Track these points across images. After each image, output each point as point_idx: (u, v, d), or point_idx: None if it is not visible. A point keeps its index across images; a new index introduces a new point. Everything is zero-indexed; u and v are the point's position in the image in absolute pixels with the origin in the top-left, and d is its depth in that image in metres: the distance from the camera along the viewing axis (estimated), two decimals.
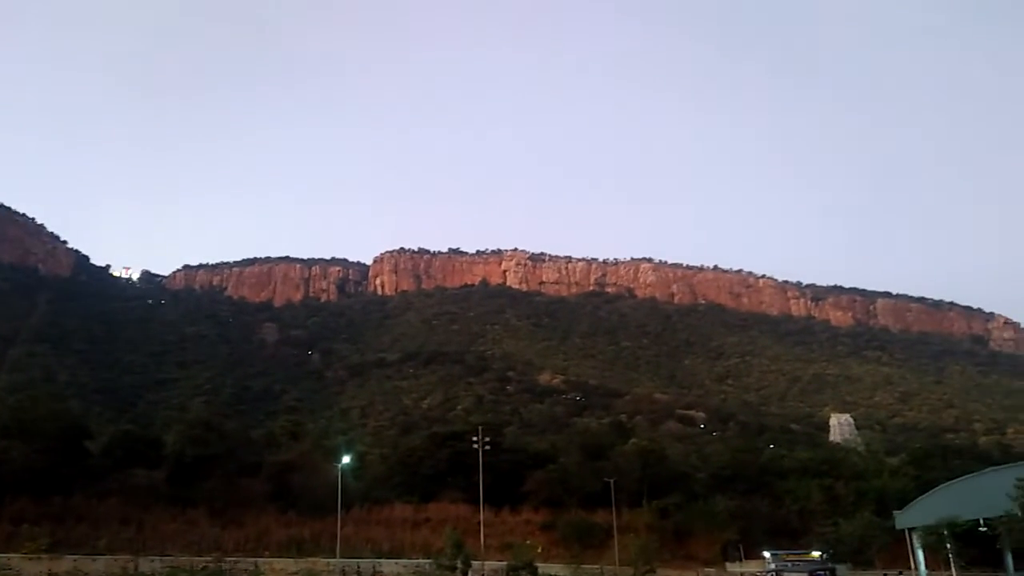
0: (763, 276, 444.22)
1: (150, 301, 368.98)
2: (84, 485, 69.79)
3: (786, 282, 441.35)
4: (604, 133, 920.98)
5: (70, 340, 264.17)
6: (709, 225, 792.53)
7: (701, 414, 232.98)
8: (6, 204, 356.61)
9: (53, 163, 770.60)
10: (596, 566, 72.51)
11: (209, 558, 54.93)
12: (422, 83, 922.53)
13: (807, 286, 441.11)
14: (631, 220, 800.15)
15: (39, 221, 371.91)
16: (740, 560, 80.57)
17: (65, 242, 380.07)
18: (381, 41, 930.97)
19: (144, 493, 70.98)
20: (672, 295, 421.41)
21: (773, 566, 69.46)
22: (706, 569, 78.26)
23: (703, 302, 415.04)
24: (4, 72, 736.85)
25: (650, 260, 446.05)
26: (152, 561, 53.62)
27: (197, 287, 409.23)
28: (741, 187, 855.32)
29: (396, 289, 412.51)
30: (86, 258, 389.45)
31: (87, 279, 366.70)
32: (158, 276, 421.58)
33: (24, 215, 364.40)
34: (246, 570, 54.43)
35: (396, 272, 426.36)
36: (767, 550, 73.51)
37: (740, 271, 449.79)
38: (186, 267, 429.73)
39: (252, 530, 69.36)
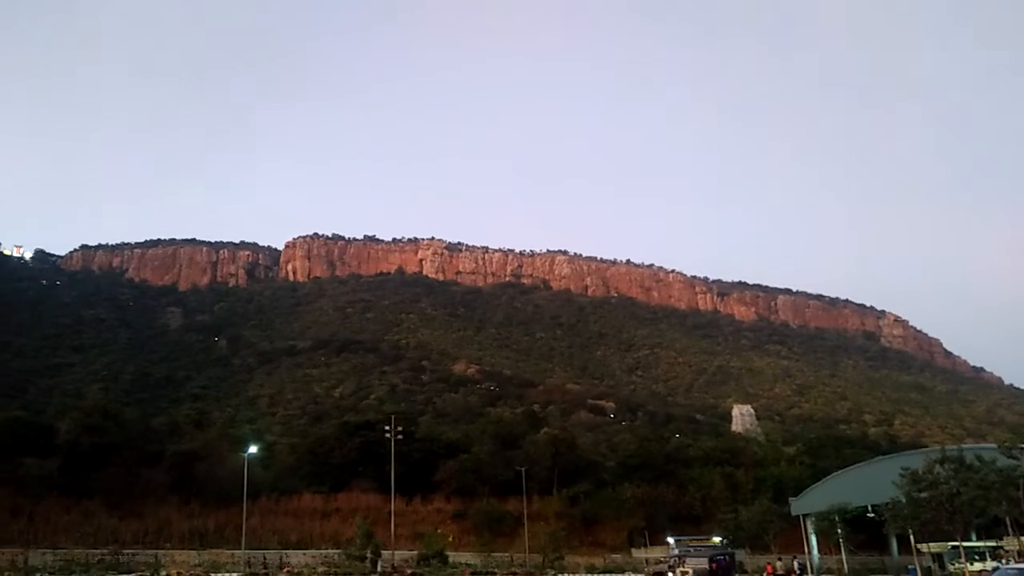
0: (673, 271, 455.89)
1: (44, 282, 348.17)
2: None
3: (694, 277, 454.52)
4: (522, 126, 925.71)
5: None
6: (622, 220, 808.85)
7: (611, 404, 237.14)
8: None
9: None
10: (506, 554, 73.36)
11: (106, 550, 52.79)
12: (340, 64, 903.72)
13: (714, 281, 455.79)
14: (547, 213, 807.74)
15: None
16: (645, 546, 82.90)
17: None
18: (298, 22, 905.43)
19: (35, 483, 67.31)
20: (586, 287, 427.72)
21: (676, 551, 71.77)
22: (613, 555, 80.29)
23: (615, 295, 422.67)
24: None
25: (565, 252, 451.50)
26: (44, 554, 51.16)
27: (96, 268, 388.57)
28: (654, 184, 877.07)
29: (309, 275, 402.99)
30: None
31: None
32: (53, 256, 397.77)
33: None
34: (145, 563, 52.47)
35: (309, 258, 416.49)
36: (671, 536, 75.88)
37: (651, 265, 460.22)
38: (84, 247, 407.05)
39: (152, 522, 67.00)
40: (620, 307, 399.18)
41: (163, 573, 49.48)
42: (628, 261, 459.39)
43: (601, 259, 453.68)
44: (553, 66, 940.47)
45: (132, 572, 49.61)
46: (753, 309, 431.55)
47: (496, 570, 64.20)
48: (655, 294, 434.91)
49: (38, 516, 61.85)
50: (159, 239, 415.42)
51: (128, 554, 53.02)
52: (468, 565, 66.11)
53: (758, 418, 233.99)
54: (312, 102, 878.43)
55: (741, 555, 73.55)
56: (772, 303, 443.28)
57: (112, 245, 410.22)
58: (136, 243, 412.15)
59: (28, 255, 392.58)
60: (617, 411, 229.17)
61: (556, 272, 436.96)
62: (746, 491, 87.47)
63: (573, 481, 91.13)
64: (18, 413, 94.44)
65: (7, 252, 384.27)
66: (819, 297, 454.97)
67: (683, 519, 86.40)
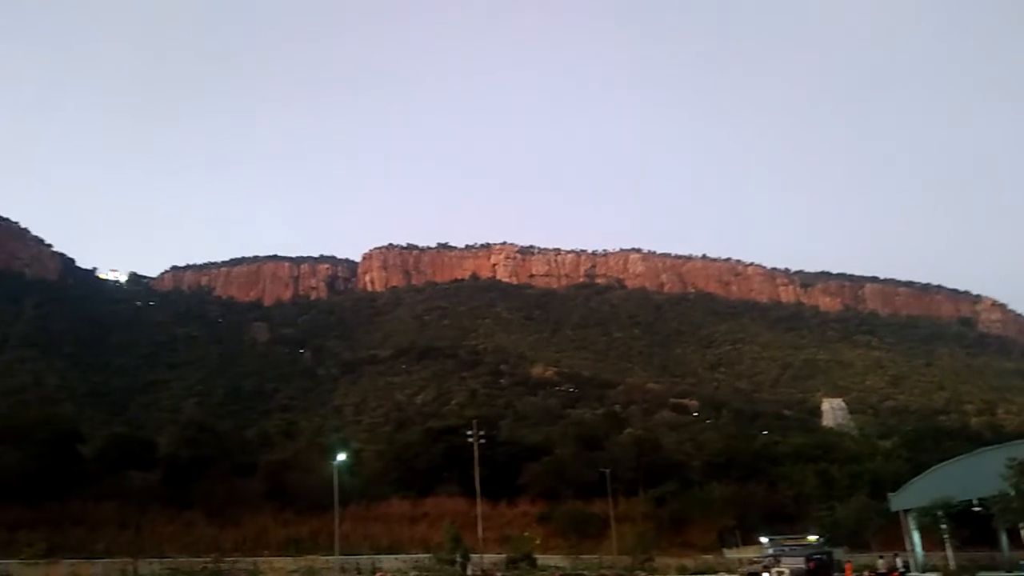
0: (751, 264, 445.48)
1: (138, 303, 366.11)
2: (79, 489, 69.21)
3: (775, 269, 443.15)
4: (590, 126, 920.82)
5: (59, 344, 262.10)
6: (697, 215, 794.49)
7: (694, 402, 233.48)
8: None
9: (36, 167, 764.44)
10: (594, 556, 72.74)
11: (208, 559, 54.67)
12: (408, 79, 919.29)
13: (795, 272, 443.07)
14: (619, 211, 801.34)
15: (23, 225, 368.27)
16: (737, 546, 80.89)
17: (50, 246, 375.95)
18: (366, 39, 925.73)
19: (140, 495, 70.51)
20: (662, 284, 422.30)
21: (771, 551, 69.63)
22: (704, 556, 78.61)
23: (693, 291, 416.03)
24: None
25: (639, 250, 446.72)
26: (151, 563, 53.35)
27: (185, 288, 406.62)
28: (729, 176, 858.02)
29: (386, 285, 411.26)
30: (72, 261, 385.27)
31: (74, 282, 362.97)
32: (146, 278, 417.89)
33: (7, 219, 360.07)
34: (245, 570, 54.21)
35: (385, 268, 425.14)
36: (764, 535, 73.80)
37: (729, 259, 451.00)
38: (174, 268, 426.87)
39: (250, 530, 69.10)
40: (698, 303, 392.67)
41: None
42: (704, 256, 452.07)
43: (676, 255, 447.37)
44: (616, 61, 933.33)
45: None
46: (839, 299, 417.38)
47: (585, 572, 63.69)
48: (734, 288, 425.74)
49: (144, 526, 64.56)
50: (243, 257, 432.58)
51: (229, 562, 54.82)
52: (557, 567, 65.80)
53: (850, 412, 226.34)
54: (378, 116, 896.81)
55: (839, 554, 70.85)
56: (859, 292, 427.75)
57: (200, 264, 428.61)
58: (222, 262, 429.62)
59: (123, 278, 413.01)
60: (700, 409, 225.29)
61: (630, 270, 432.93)
62: (841, 487, 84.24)
63: (659, 481, 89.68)
64: (121, 429, 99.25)
65: (103, 276, 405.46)
66: (909, 284, 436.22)
67: (775, 518, 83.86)
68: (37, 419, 73.83)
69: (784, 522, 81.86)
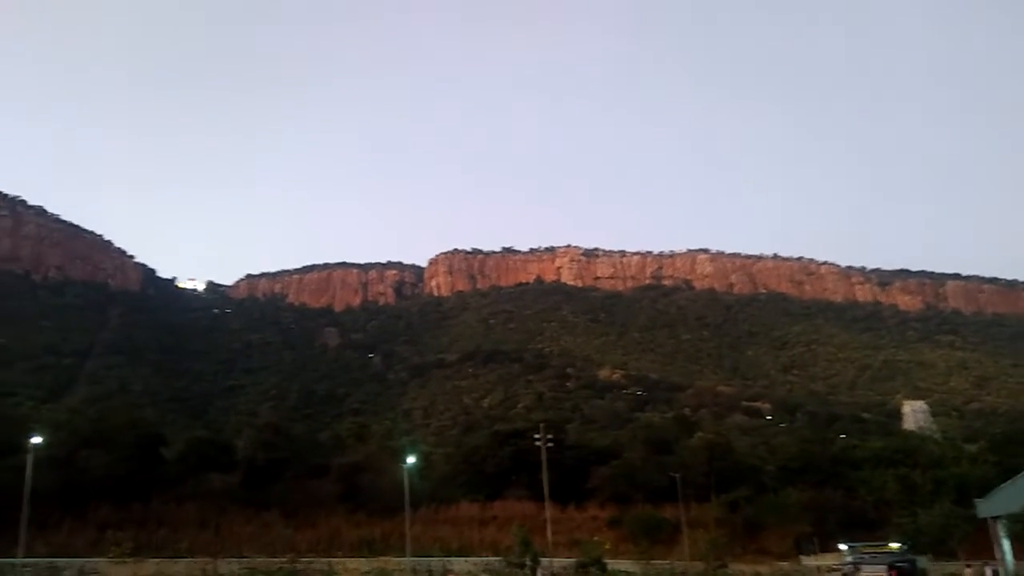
0: (825, 262, 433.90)
1: (215, 311, 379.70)
2: (162, 490, 71.87)
3: (850, 267, 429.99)
4: (653, 125, 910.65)
5: (142, 351, 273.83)
6: (766, 214, 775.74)
7: (767, 405, 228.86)
8: (75, 223, 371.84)
9: (117, 181, 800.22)
10: (666, 561, 71.61)
11: (284, 559, 55.95)
12: (473, 86, 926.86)
13: (872, 271, 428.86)
14: (685, 211, 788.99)
15: (107, 238, 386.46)
16: (815, 553, 78.58)
17: (132, 257, 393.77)
18: (430, 50, 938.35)
19: (219, 497, 72.72)
20: (731, 285, 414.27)
21: (850, 559, 67.34)
22: (779, 563, 76.56)
23: (764, 291, 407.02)
24: (74, 92, 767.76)
25: (707, 251, 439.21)
26: (230, 563, 54.93)
27: (260, 295, 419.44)
28: (799, 173, 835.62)
29: (452, 290, 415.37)
30: (153, 271, 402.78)
31: (155, 292, 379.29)
32: (222, 286, 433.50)
33: (92, 232, 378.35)
34: (320, 570, 55.32)
35: (451, 273, 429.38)
36: (843, 542, 71.46)
37: (801, 258, 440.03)
38: (248, 276, 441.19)
39: (324, 531, 70.52)
40: (770, 303, 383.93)
41: None
42: (775, 255, 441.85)
43: (746, 255, 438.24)
44: (674, 59, 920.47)
45: None
46: (919, 298, 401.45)
47: None
48: (807, 288, 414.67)
49: (223, 527, 66.62)
50: (314, 264, 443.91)
51: (304, 562, 56.03)
52: (627, 573, 65.07)
53: (933, 415, 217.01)
54: (441, 124, 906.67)
55: (923, 562, 68.02)
56: (940, 290, 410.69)
57: (272, 272, 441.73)
58: (294, 269, 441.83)
59: (200, 287, 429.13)
60: (774, 412, 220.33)
61: (698, 271, 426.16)
62: (924, 493, 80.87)
63: (731, 486, 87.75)
64: (202, 433, 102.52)
65: (182, 285, 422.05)
66: (994, 280, 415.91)
67: (855, 524, 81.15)
68: (123, 424, 76.89)
69: (863, 529, 79.25)
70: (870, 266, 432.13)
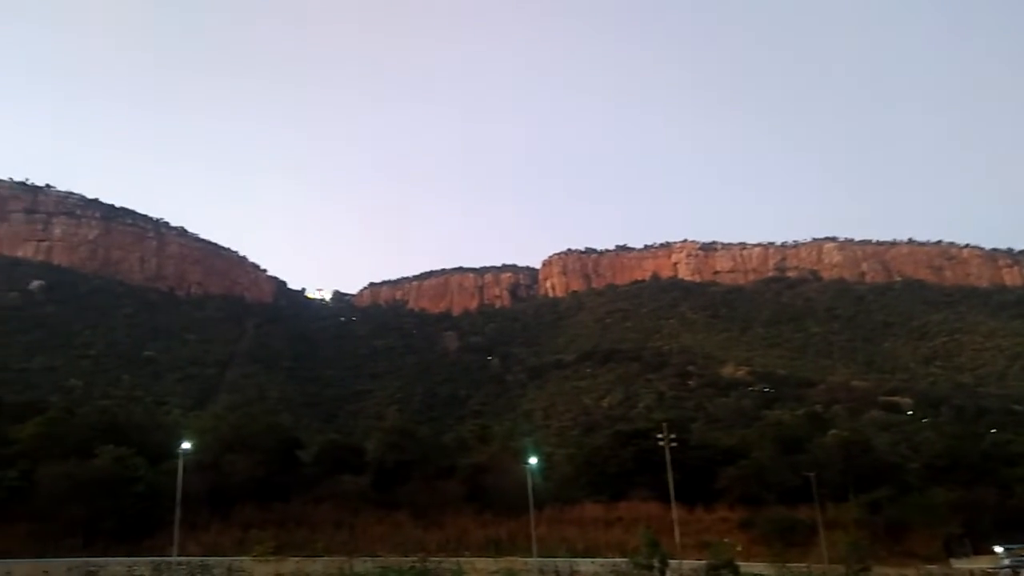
0: (967, 246, 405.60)
1: (342, 319, 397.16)
2: (300, 492, 75.51)
3: (995, 250, 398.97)
4: (768, 111, 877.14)
5: (277, 360, 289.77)
6: (899, 197, 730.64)
7: (908, 400, 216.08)
8: (213, 241, 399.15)
9: (245, 197, 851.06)
10: (803, 565, 68.54)
11: (415, 558, 57.50)
12: (574, 83, 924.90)
13: (1020, 252, 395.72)
14: (809, 199, 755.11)
15: (242, 254, 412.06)
16: (968, 555, 73.22)
17: (265, 271, 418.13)
18: (526, 54, 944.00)
19: (353, 498, 75.53)
20: (863, 274, 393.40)
21: (1007, 562, 62.29)
22: (928, 566, 71.72)
23: (899, 279, 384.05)
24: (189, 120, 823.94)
25: (834, 239, 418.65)
26: (364, 561, 56.98)
27: (382, 302, 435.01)
28: (931, 153, 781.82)
29: (567, 290, 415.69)
30: (284, 283, 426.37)
31: (286, 303, 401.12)
32: (347, 295, 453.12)
33: (229, 249, 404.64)
34: (450, 570, 56.46)
35: (565, 273, 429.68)
36: (999, 544, 66.18)
37: (939, 242, 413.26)
38: (371, 284, 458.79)
39: (452, 531, 71.92)
40: (906, 292, 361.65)
41: None
42: (910, 240, 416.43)
43: (878, 241, 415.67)
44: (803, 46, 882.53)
45: None
46: None
47: None
48: (948, 273, 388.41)
49: (357, 527, 69.26)
50: (431, 270, 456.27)
51: (434, 561, 57.38)
52: None
53: None
54: (546, 128, 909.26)
55: None
56: None
57: (393, 280, 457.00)
58: (413, 276, 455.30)
59: (327, 296, 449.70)
60: (915, 407, 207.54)
61: (825, 261, 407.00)
62: None
63: (871, 486, 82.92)
64: (334, 436, 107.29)
65: (311, 296, 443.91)
66: None
67: (1011, 525, 75.31)
68: (262, 429, 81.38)
69: (1021, 530, 73.47)
70: (1018, 247, 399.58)
